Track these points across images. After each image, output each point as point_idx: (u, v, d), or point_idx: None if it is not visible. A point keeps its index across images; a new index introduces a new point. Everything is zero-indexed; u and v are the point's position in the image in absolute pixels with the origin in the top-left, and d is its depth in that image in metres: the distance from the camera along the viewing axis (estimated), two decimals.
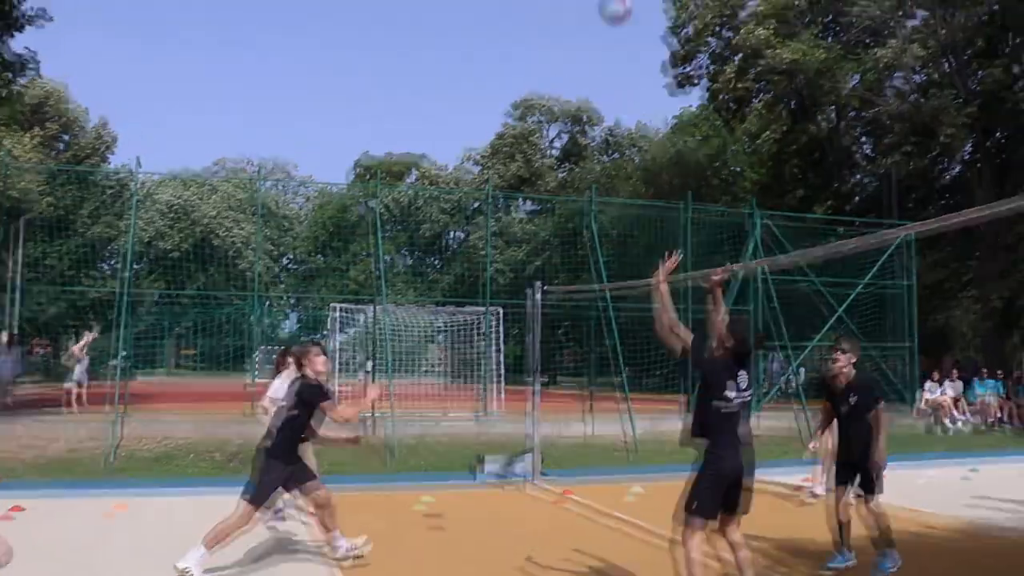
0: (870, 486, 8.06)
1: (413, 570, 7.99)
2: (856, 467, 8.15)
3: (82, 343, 22.37)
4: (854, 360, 8.34)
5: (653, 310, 6.66)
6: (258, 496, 7.52)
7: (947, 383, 22.54)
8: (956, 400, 22.15)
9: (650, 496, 11.63)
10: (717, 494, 6.26)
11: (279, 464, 7.59)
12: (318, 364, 7.92)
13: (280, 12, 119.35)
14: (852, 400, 8.17)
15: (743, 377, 6.33)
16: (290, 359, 10.02)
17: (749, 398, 6.39)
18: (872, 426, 8.04)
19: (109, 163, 50.64)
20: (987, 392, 22.94)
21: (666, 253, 6.89)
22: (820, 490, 11.92)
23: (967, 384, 23.24)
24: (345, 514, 8.22)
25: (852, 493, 8.19)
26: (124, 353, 17.94)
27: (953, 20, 31.61)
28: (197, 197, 53.83)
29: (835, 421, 8.62)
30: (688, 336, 6.57)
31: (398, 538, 9.10)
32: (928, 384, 22.68)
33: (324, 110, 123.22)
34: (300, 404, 7.69)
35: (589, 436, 17.88)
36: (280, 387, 9.84)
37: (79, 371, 21.47)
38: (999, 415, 22.49)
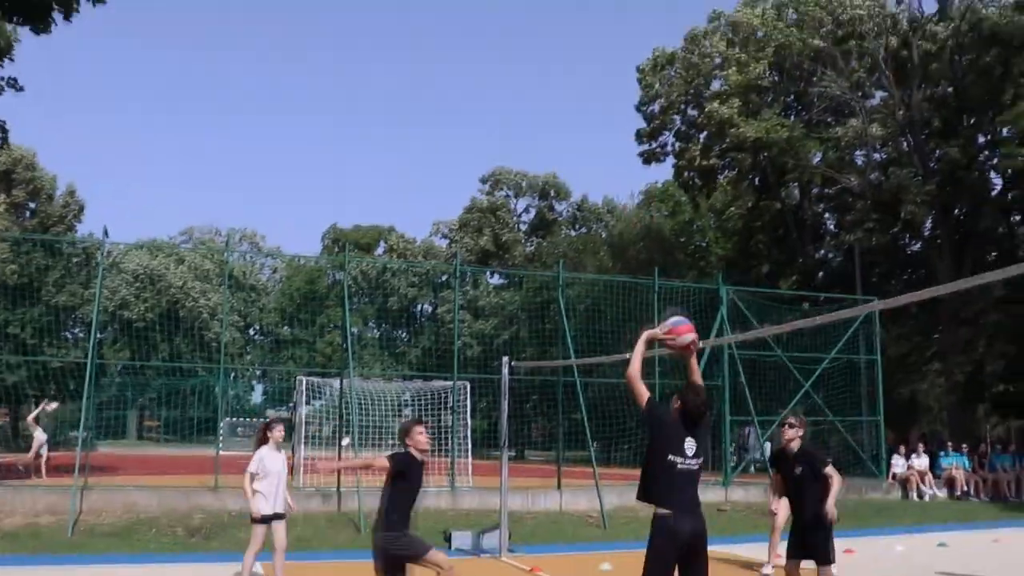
0: (823, 556, 8.34)
1: None
2: (806, 537, 8.47)
3: (34, 414, 22.03)
4: (801, 433, 9.01)
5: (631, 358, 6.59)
6: (418, 552, 7.61)
7: (914, 456, 22.64)
8: (923, 474, 22.22)
9: (620, 571, 11.52)
10: (670, 564, 6.02)
11: (402, 533, 7.63)
12: (422, 442, 7.96)
13: (249, 83, 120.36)
14: (798, 471, 8.76)
15: (690, 444, 6.18)
16: (271, 431, 9.97)
17: (697, 467, 6.22)
18: (820, 494, 8.53)
19: (76, 231, 50.40)
20: (953, 465, 23.05)
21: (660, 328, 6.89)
22: (768, 569, 11.84)
23: (933, 457, 23.37)
24: None
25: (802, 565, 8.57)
26: (97, 423, 17.65)
27: (911, 100, 32.51)
28: (164, 267, 53.53)
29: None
30: (647, 391, 6.44)
31: None
32: (895, 458, 22.78)
33: (293, 181, 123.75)
34: (398, 475, 7.76)
35: (558, 510, 17.73)
36: (262, 458, 9.75)
37: (39, 440, 21.22)
38: (965, 488, 22.57)
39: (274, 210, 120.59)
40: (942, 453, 23.82)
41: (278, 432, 10.03)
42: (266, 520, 9.73)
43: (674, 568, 6.05)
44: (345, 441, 19.35)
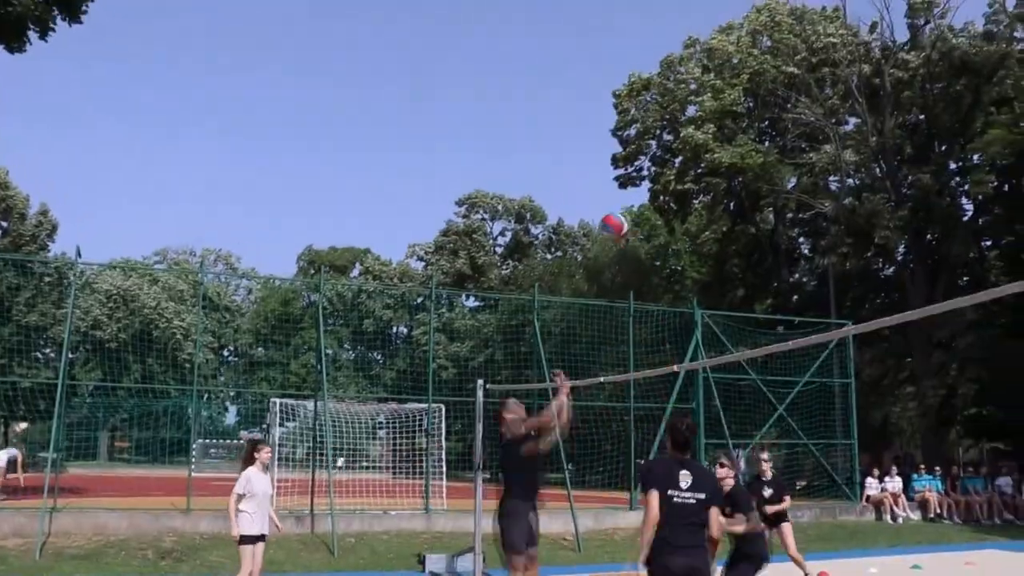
0: None
1: None
2: (734, 568, 9.28)
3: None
4: (732, 474, 9.64)
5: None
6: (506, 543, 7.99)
7: (887, 479, 22.72)
8: (896, 496, 22.30)
9: None
10: None
11: (515, 507, 8.01)
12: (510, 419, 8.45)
13: (225, 104, 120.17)
14: (728, 510, 9.17)
15: (685, 476, 6.06)
16: (259, 452, 9.92)
17: (695, 501, 6.06)
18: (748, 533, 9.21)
19: (49, 250, 49.92)
20: (926, 487, 23.16)
21: None
22: None
23: (906, 480, 23.46)
24: None
25: None
26: (66, 444, 17.40)
27: (883, 127, 32.91)
28: (137, 288, 53.13)
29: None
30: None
31: None
32: (869, 480, 22.85)
33: (268, 203, 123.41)
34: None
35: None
36: (249, 479, 9.66)
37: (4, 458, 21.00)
38: (938, 511, 22.66)
39: (249, 232, 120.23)
40: (915, 476, 23.94)
41: (265, 453, 10.02)
42: (253, 540, 9.67)
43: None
44: (340, 462, 19.27)
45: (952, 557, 16.68)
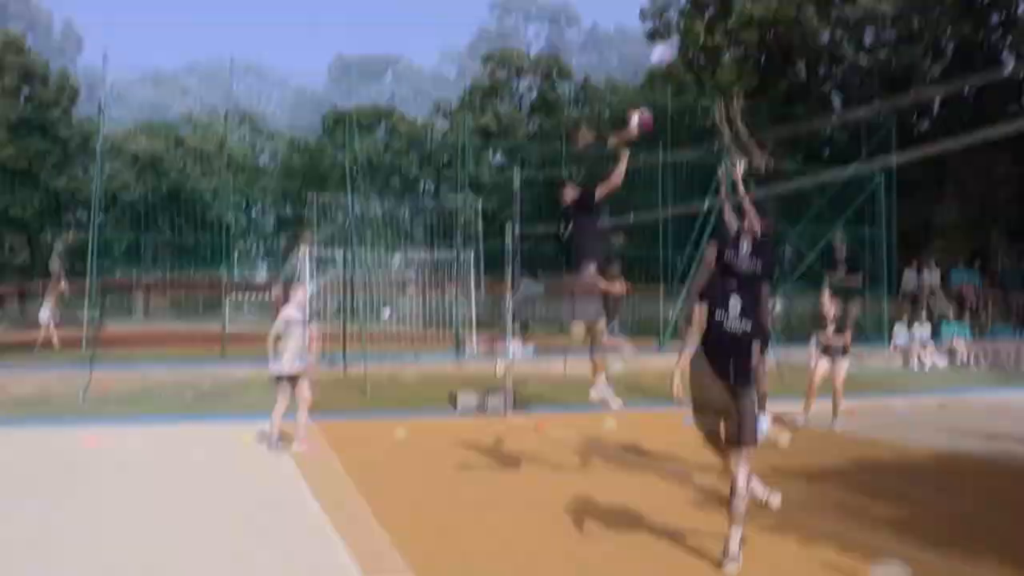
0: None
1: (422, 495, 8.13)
2: None
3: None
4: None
5: None
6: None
7: (916, 326, 22.70)
8: (924, 344, 22.35)
9: (622, 429, 11.71)
10: (700, 402, 5.85)
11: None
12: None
13: None
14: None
15: (735, 302, 5.76)
16: (295, 293, 10.13)
17: (741, 332, 5.76)
18: None
19: (72, 115, 49.53)
20: (954, 336, 23.12)
21: None
22: (801, 420, 12.17)
23: (935, 328, 23.40)
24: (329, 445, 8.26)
25: None
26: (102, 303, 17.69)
27: None
28: (164, 149, 53.08)
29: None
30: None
31: (388, 467, 9.24)
32: (897, 328, 22.88)
33: (298, 6, 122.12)
34: None
35: (563, 373, 17.83)
36: (288, 320, 9.85)
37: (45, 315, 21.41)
38: (965, 359, 22.67)
39: (279, 36, 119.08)
40: (944, 322, 23.78)
41: (301, 293, 10.19)
42: (291, 378, 9.90)
43: (710, 411, 5.85)
44: (387, 313, 19.48)
45: (980, 398, 16.78)
